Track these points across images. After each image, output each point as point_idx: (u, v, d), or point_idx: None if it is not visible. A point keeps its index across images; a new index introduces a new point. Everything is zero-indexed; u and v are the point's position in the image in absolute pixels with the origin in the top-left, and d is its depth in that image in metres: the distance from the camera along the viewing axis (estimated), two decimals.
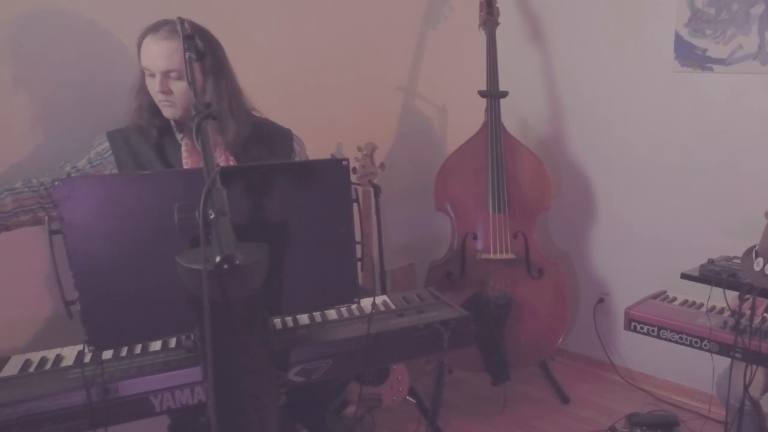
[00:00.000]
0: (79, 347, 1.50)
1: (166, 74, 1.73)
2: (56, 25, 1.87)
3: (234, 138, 1.83)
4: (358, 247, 1.56)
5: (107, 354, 1.47)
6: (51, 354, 1.52)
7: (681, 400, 2.82)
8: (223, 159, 1.84)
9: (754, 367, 1.74)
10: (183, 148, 1.84)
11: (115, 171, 1.82)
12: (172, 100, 1.76)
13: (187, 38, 1.41)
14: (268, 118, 1.98)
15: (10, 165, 1.81)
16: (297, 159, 1.98)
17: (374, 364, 1.76)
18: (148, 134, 1.83)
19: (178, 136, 1.85)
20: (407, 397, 2.54)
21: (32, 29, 1.83)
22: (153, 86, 1.76)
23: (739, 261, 1.80)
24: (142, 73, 1.79)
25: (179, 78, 1.73)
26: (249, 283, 1.20)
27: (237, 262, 1.12)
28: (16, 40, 1.80)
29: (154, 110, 1.82)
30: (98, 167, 1.81)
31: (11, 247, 1.83)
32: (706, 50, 2.53)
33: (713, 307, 1.94)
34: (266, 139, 1.92)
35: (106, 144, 1.82)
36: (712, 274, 1.88)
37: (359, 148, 2.44)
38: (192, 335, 1.44)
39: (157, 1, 1.94)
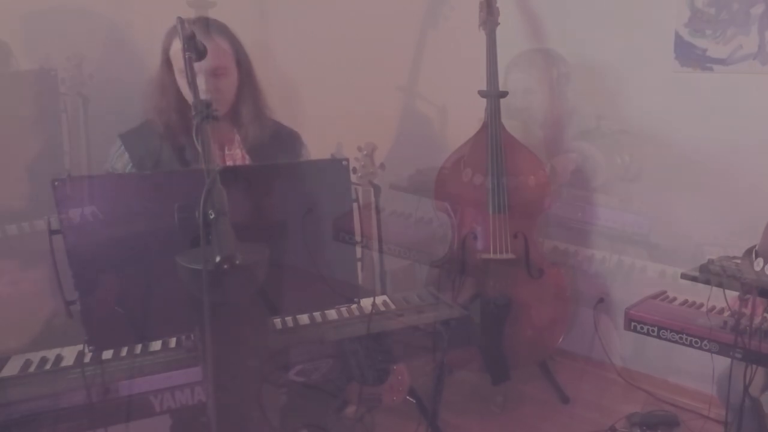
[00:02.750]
0: (79, 347, 1.50)
1: (212, 72, 1.69)
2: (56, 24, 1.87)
3: (260, 139, 1.82)
4: (358, 247, 1.56)
5: (107, 354, 1.47)
6: (51, 354, 1.52)
7: (681, 400, 2.81)
8: (240, 157, 1.82)
9: (754, 367, 1.74)
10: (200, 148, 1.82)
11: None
12: (217, 98, 1.71)
13: (187, 38, 1.41)
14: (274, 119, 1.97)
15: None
16: None
17: (374, 363, 1.75)
18: (175, 135, 1.78)
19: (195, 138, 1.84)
20: (407, 397, 2.54)
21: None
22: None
23: (739, 261, 1.80)
24: (164, 72, 1.74)
25: (225, 74, 1.72)
26: (249, 283, 1.20)
27: (237, 262, 1.12)
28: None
29: (181, 110, 1.76)
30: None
31: (11, 247, 1.83)
32: (706, 50, 2.53)
33: (713, 307, 1.94)
34: (277, 141, 1.91)
35: (122, 149, 1.77)
36: (712, 274, 1.88)
37: (359, 148, 2.44)
38: (192, 335, 1.44)
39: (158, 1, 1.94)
